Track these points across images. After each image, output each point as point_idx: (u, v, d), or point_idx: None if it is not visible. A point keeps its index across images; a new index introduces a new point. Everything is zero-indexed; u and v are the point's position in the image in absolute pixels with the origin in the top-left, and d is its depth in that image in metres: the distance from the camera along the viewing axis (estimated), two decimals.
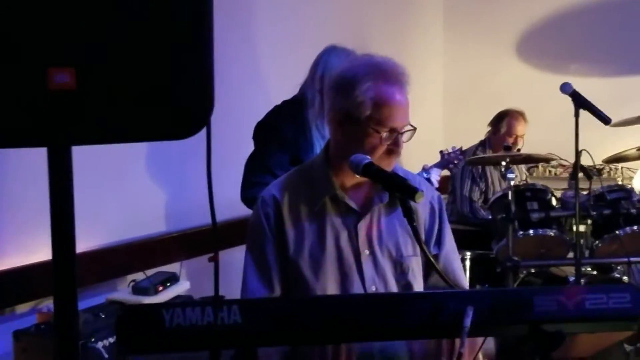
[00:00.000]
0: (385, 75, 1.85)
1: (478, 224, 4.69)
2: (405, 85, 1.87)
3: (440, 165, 3.82)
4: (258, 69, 4.08)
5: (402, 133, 1.86)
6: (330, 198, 1.93)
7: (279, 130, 2.89)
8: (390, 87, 1.84)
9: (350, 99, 1.86)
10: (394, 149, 1.87)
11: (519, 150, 4.79)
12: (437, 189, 3.27)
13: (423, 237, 1.97)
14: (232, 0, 3.79)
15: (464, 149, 4.03)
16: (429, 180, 3.42)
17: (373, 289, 1.91)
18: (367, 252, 1.93)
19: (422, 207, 1.97)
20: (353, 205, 1.93)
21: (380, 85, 1.84)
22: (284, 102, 3.02)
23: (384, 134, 1.84)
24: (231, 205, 3.13)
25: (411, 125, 1.89)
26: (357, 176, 1.91)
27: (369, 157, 1.83)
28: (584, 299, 1.33)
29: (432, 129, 6.19)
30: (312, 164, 2.02)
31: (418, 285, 1.96)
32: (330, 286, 1.90)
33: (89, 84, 0.98)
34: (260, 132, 3.03)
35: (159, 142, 1.36)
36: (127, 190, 3.25)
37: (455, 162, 3.89)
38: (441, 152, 3.91)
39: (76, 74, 0.97)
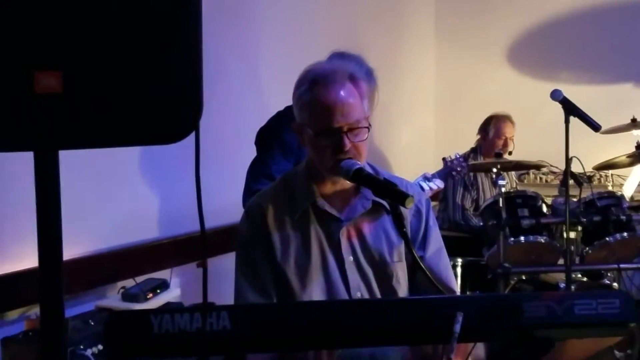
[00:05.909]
0: (317, 77, 1.84)
1: (469, 231, 4.69)
2: (346, 84, 1.84)
3: (444, 173, 3.68)
4: (253, 73, 4.08)
5: (345, 132, 1.81)
6: (312, 206, 1.93)
7: (281, 136, 2.87)
8: (321, 88, 1.82)
9: (297, 108, 1.90)
10: (339, 149, 1.82)
11: (510, 153, 4.80)
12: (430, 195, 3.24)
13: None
14: (230, 5, 3.80)
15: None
16: (421, 187, 3.37)
17: (358, 295, 1.90)
18: (350, 258, 1.92)
19: (408, 209, 1.96)
20: (334, 212, 1.93)
21: (313, 88, 1.84)
22: (287, 108, 3.00)
23: (323, 136, 1.83)
24: (222, 211, 3.12)
25: (366, 122, 1.85)
26: (338, 183, 1.92)
27: (358, 163, 1.83)
28: (573, 304, 1.33)
29: (423, 135, 6.21)
30: (295, 173, 2.02)
31: (403, 292, 1.95)
32: (316, 293, 1.89)
33: (75, 87, 0.98)
34: (262, 138, 3.01)
35: (149, 147, 1.35)
36: (117, 196, 3.24)
37: (459, 169, 3.77)
38: (444, 159, 3.78)
39: (63, 78, 0.96)
